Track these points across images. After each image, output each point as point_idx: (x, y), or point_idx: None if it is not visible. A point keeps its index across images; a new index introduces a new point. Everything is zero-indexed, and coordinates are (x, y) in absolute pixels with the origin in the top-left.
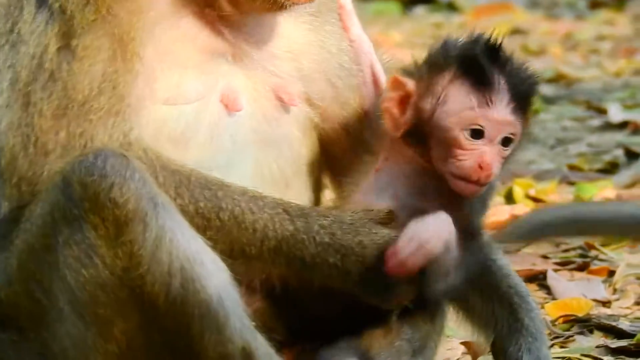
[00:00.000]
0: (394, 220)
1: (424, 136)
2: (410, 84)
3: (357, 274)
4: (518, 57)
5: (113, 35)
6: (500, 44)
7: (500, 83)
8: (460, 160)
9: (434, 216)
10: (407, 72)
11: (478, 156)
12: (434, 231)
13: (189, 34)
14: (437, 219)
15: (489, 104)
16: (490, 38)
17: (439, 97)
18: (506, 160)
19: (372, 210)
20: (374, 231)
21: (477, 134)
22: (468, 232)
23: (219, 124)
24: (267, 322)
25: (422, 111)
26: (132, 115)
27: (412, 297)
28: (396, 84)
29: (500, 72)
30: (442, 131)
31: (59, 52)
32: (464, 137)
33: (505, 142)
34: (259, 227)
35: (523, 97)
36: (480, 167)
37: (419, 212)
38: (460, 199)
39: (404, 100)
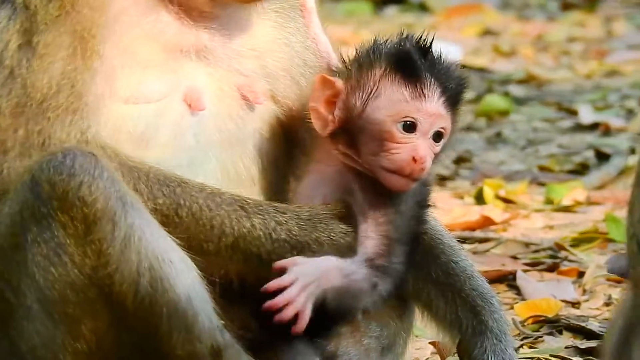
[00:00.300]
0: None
1: (352, 133)
2: (339, 82)
3: None
4: (446, 59)
5: (74, 33)
6: (430, 43)
7: (431, 78)
8: (393, 154)
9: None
10: (334, 72)
11: (411, 149)
12: (319, 275)
13: (152, 31)
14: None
15: (422, 96)
16: (420, 37)
17: (371, 92)
18: (436, 157)
19: (329, 205)
20: (330, 227)
21: (410, 127)
22: (401, 231)
23: (182, 124)
24: (235, 321)
25: (352, 108)
26: (90, 114)
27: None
28: (324, 83)
29: (430, 68)
30: (375, 125)
31: (20, 49)
32: (397, 130)
33: (437, 137)
34: (217, 223)
35: (453, 93)
36: (414, 160)
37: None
38: (389, 197)
39: (331, 99)
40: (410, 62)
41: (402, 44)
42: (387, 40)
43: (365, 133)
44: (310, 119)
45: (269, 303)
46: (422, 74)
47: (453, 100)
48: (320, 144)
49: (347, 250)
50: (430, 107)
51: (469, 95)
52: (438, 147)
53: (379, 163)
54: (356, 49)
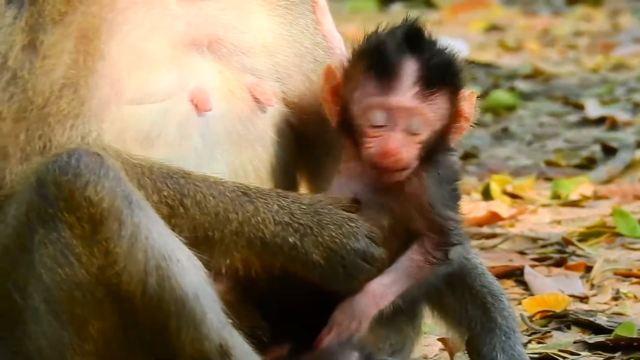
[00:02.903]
0: (359, 209)
1: (349, 127)
2: (340, 74)
3: (317, 255)
4: (439, 42)
5: (80, 32)
6: (418, 30)
7: (405, 70)
8: (367, 147)
9: (357, 300)
10: (340, 63)
11: (381, 143)
12: (356, 317)
13: (161, 26)
14: (361, 302)
15: (388, 90)
16: (409, 25)
17: (351, 85)
18: (431, 143)
19: (334, 197)
20: (332, 212)
21: (379, 120)
22: (433, 222)
23: (188, 124)
24: (249, 320)
25: (343, 100)
26: (92, 118)
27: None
28: (329, 74)
29: (409, 59)
30: (353, 119)
31: (24, 50)
32: (368, 124)
33: (412, 128)
34: (221, 210)
35: (433, 81)
36: (385, 153)
37: (381, 207)
38: (414, 190)
39: (335, 90)
40: (379, 55)
41: (381, 35)
42: (381, 29)
43: (352, 126)
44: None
45: None
46: (391, 67)
47: (433, 89)
48: (344, 142)
49: (350, 235)
50: (398, 101)
51: (461, 82)
52: (420, 136)
53: (364, 157)
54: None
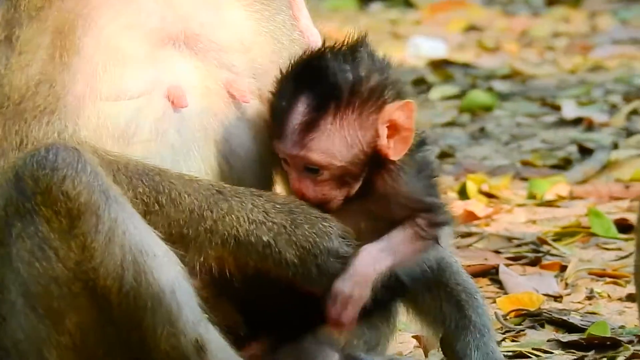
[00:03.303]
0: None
1: None
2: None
3: (290, 253)
4: (340, 73)
5: (55, 28)
6: (310, 64)
7: (288, 115)
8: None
9: (355, 263)
10: None
11: (290, 182)
12: (357, 281)
13: (135, 21)
14: (359, 264)
15: (279, 136)
16: (305, 59)
17: None
18: (349, 175)
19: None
20: (306, 211)
21: (285, 162)
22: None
23: (164, 120)
24: (225, 315)
25: None
26: (68, 114)
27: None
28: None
29: (297, 101)
30: None
31: (0, 46)
32: (282, 162)
33: (311, 170)
34: (196, 208)
35: (311, 127)
36: (295, 192)
37: (357, 210)
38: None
39: None
40: (272, 99)
41: (283, 73)
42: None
43: None
44: None
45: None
46: (276, 113)
47: (317, 132)
48: None
49: (324, 234)
50: (285, 148)
51: (377, 99)
52: (321, 176)
53: None
54: None
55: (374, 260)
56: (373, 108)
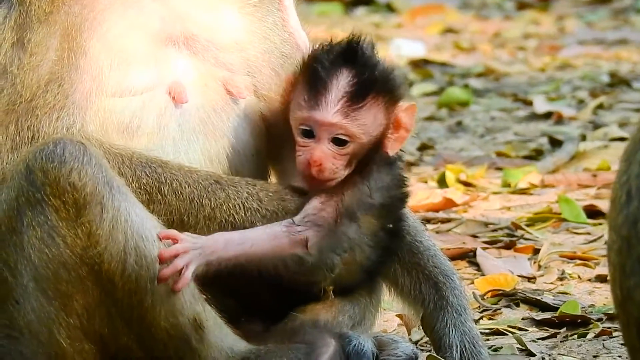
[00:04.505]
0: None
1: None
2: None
3: None
4: (376, 58)
5: (64, 31)
6: (354, 47)
7: (333, 86)
8: (297, 155)
9: (208, 238)
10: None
11: (307, 153)
12: (198, 246)
13: (136, 23)
14: (210, 240)
15: (316, 105)
16: (346, 42)
17: (292, 97)
18: (364, 153)
19: (297, 186)
20: (297, 199)
21: (307, 133)
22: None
23: (166, 115)
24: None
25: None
26: (76, 110)
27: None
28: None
29: (340, 75)
30: (292, 128)
31: (13, 47)
32: (298, 135)
33: (337, 142)
34: (195, 197)
35: (359, 97)
36: (309, 163)
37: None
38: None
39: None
40: (313, 70)
41: (318, 50)
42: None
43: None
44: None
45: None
46: (320, 83)
47: (356, 107)
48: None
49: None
50: (323, 116)
51: (396, 96)
52: (344, 150)
53: (296, 163)
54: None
55: (225, 243)
56: (393, 101)
